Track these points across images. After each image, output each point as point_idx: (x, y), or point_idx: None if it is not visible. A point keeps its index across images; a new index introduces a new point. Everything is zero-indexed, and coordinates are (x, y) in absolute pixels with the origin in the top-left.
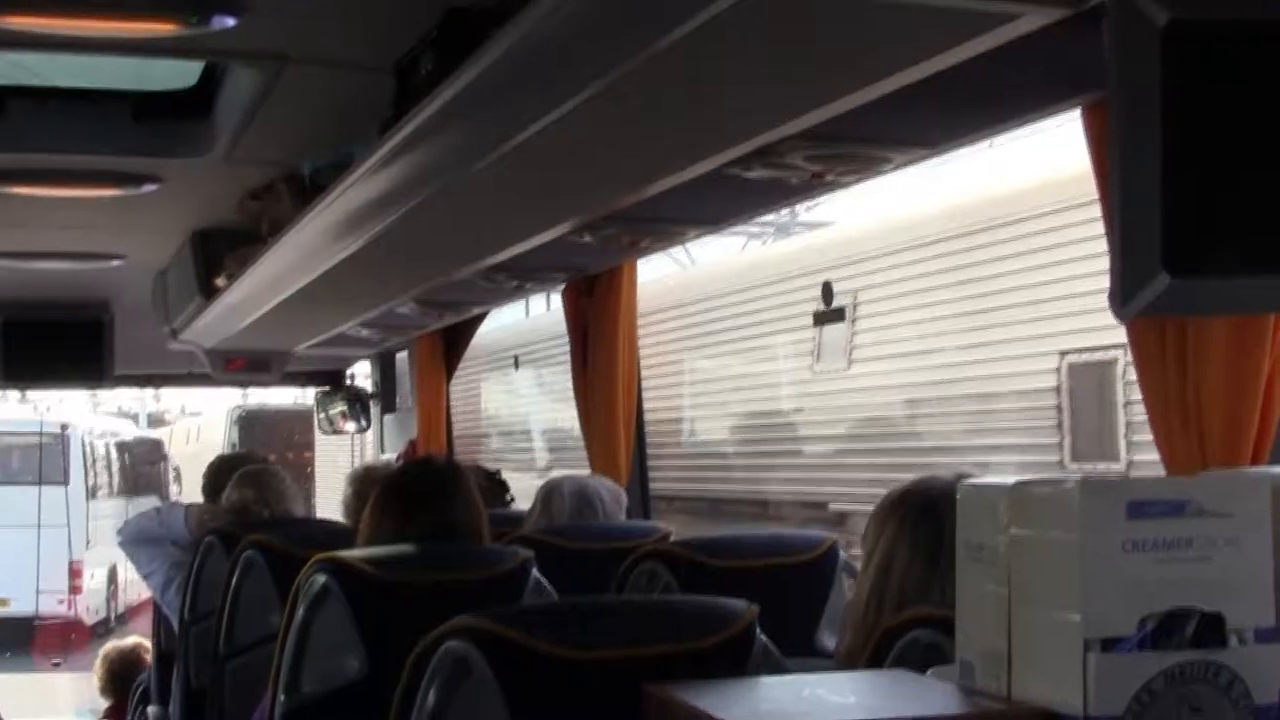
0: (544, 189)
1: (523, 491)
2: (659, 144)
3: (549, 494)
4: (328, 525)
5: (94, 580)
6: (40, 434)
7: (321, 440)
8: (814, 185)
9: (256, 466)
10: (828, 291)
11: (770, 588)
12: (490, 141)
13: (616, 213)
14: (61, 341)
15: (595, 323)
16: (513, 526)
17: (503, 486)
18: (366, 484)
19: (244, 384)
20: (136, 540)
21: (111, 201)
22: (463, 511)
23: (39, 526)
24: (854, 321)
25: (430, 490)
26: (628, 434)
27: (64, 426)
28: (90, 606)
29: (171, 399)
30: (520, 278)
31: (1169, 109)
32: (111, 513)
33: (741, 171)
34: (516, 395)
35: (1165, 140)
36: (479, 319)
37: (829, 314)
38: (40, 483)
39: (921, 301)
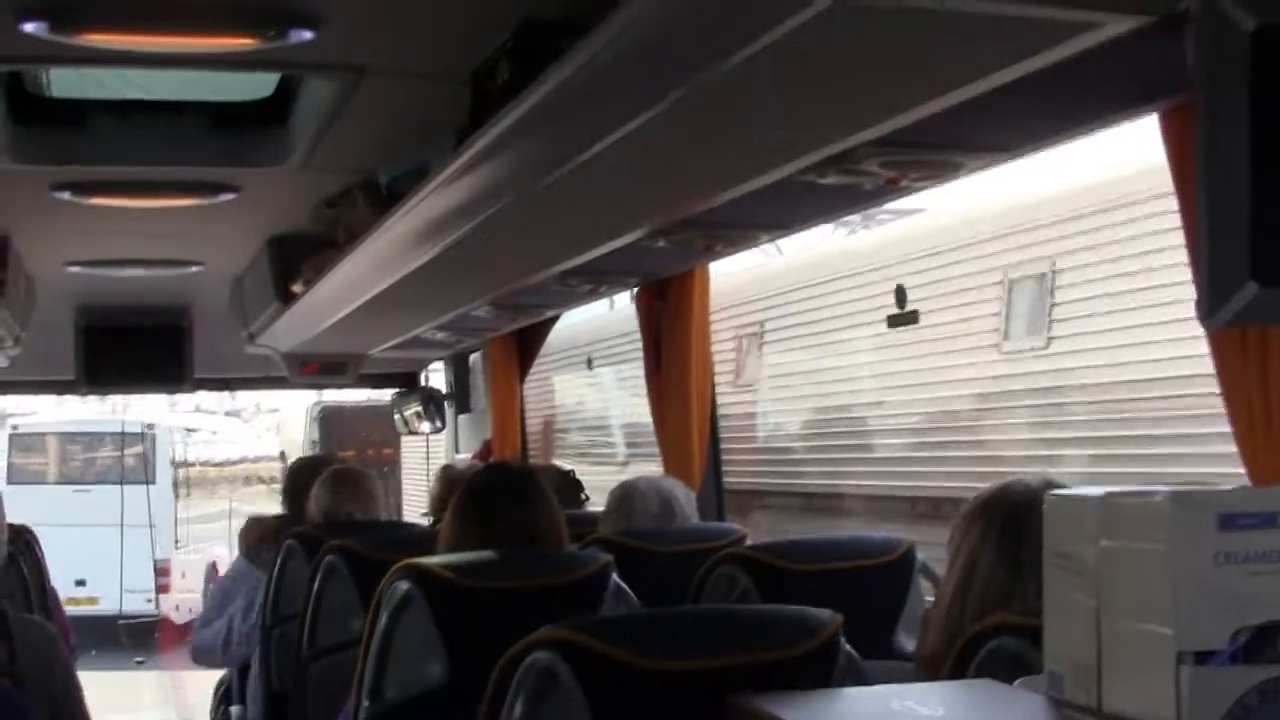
0: (619, 196)
1: (599, 487)
2: (735, 152)
3: (626, 496)
4: (410, 530)
5: (185, 579)
6: (123, 434)
7: (406, 438)
8: (887, 191)
9: (343, 467)
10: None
11: (849, 590)
12: (566, 150)
13: (690, 218)
14: (142, 346)
15: (668, 326)
16: (588, 528)
17: (577, 486)
18: (448, 484)
19: (320, 386)
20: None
21: (191, 210)
22: (541, 516)
23: (122, 526)
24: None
25: (508, 496)
26: (701, 436)
27: (149, 425)
28: (181, 605)
29: (247, 396)
30: (594, 281)
31: (1257, 115)
32: (205, 512)
33: (816, 178)
34: (595, 389)
35: (1253, 146)
36: (552, 320)
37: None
38: (122, 482)
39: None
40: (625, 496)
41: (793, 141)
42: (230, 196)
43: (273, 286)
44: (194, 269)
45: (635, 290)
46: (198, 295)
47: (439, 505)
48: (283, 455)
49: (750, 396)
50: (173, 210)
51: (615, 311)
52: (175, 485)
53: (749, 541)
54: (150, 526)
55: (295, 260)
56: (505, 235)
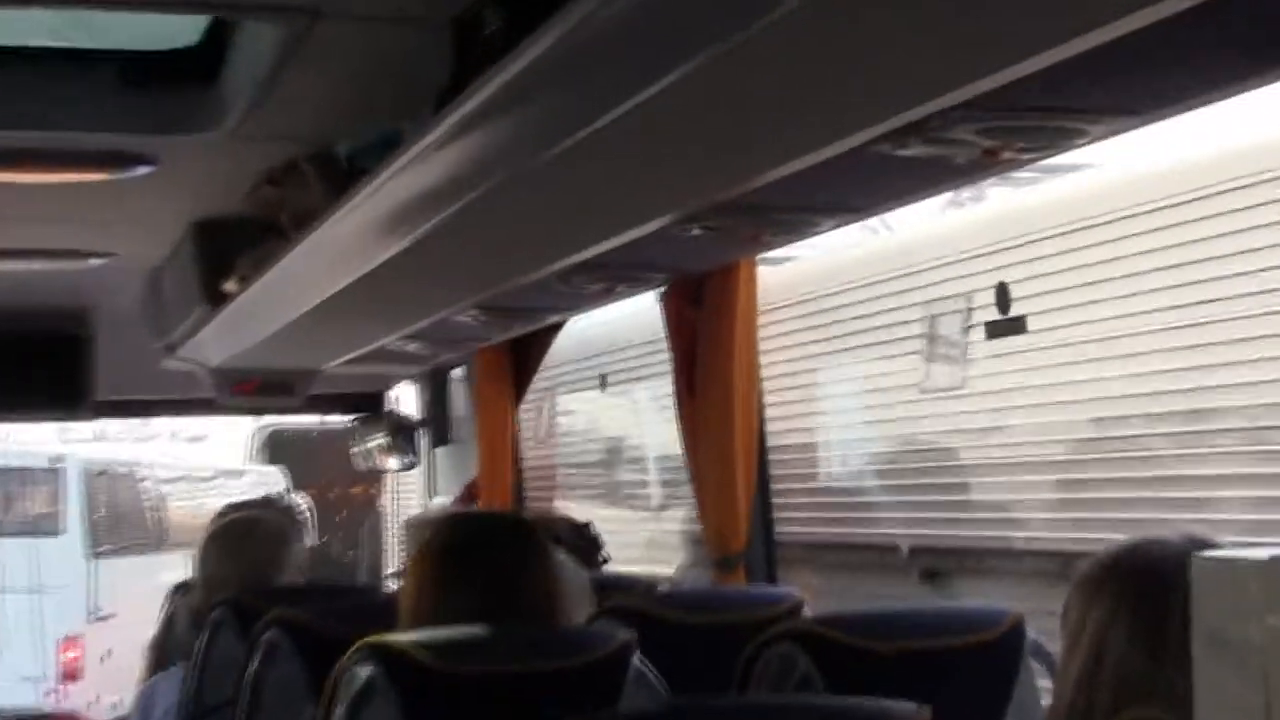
0: (644, 173)
1: (624, 544)
2: (790, 117)
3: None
4: (370, 596)
5: (107, 662)
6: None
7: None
8: (985, 165)
9: (236, 518)
10: None
11: (939, 676)
12: (573, 116)
13: (734, 200)
14: (29, 361)
15: (705, 336)
16: (608, 591)
17: (594, 544)
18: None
19: (257, 410)
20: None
21: (94, 188)
22: (534, 579)
23: (11, 592)
24: None
25: (488, 552)
26: (747, 474)
27: (56, 459)
28: (101, 697)
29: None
30: (609, 279)
31: None
32: (130, 572)
33: (892, 149)
34: (613, 414)
35: None
36: (555, 328)
37: None
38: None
39: None
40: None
41: (864, 104)
42: (145, 171)
43: (198, 284)
44: (96, 262)
45: (662, 291)
46: (101, 295)
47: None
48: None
49: (805, 422)
50: (70, 188)
51: (639, 313)
52: (92, 535)
53: (808, 611)
54: (59, 590)
55: (227, 251)
56: (497, 222)
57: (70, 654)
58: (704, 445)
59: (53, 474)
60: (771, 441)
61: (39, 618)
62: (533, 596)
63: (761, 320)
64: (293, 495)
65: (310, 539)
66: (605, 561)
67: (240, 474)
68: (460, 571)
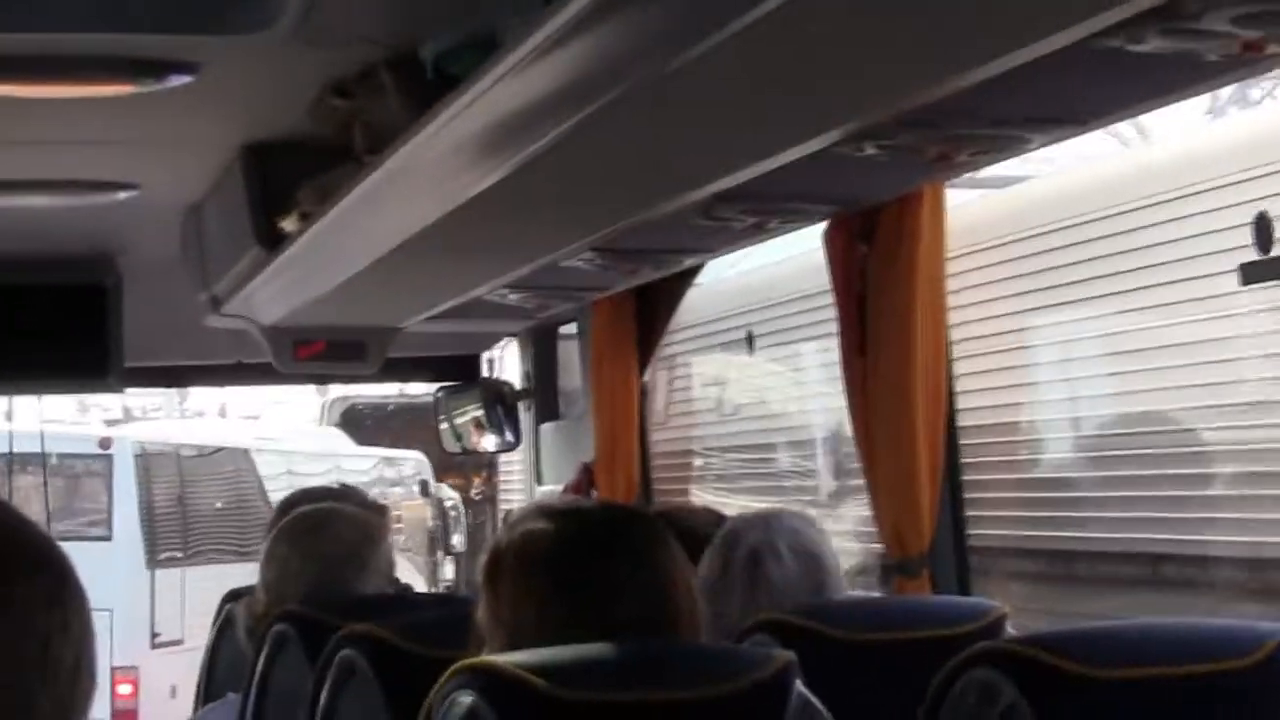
0: (804, 76)
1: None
2: (992, 3)
3: (723, 548)
4: (463, 608)
5: (176, 700)
6: (44, 456)
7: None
8: (1242, 62)
9: (308, 510)
10: None
11: (1178, 710)
12: (720, 7)
13: (918, 111)
14: (43, 320)
15: (878, 281)
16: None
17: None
18: None
19: (323, 378)
20: None
21: (120, 103)
22: (661, 593)
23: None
24: None
25: (598, 557)
26: (932, 458)
27: (104, 443)
28: None
29: (208, 394)
30: (759, 212)
31: None
32: (204, 586)
33: (1125, 44)
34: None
35: None
36: (689, 275)
37: None
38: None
39: None
40: (727, 548)
41: None
42: (182, 81)
43: (250, 223)
44: (124, 195)
45: (826, 227)
46: (130, 237)
47: None
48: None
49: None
50: (90, 104)
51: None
52: (151, 538)
53: (1011, 629)
54: (109, 611)
55: (285, 182)
56: (618, 142)
57: (123, 689)
58: (878, 419)
59: (100, 462)
60: (967, 420)
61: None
62: (659, 609)
63: (955, 265)
64: (439, 486)
65: (458, 540)
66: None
67: (364, 457)
68: (568, 578)
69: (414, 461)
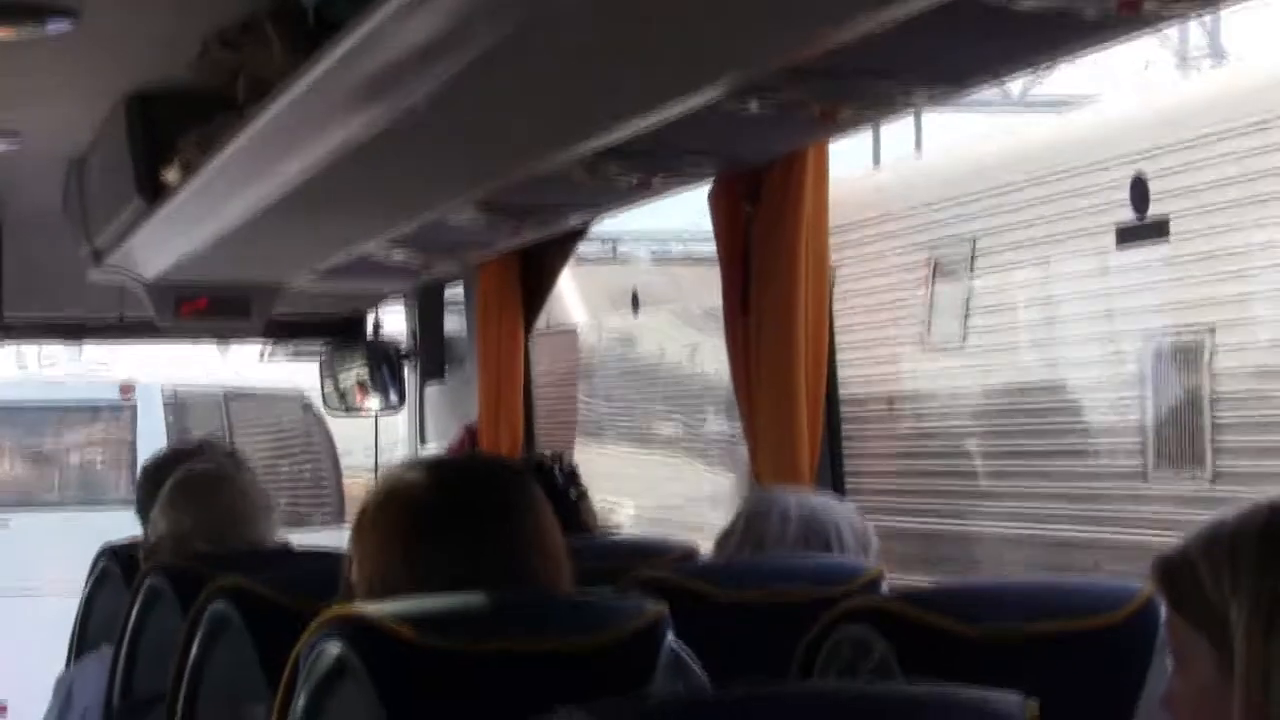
0: (690, 28)
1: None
2: None
3: (752, 517)
4: (334, 561)
5: None
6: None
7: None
8: (1120, 21)
9: (198, 469)
10: None
11: (1049, 665)
12: None
13: (802, 66)
14: None
15: (762, 243)
16: (639, 559)
17: (571, 479)
18: None
19: (204, 335)
20: None
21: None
22: (527, 544)
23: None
24: None
25: (467, 505)
26: (814, 417)
27: (125, 390)
28: None
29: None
30: (644, 169)
31: None
32: None
33: (1007, 2)
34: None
35: None
36: (576, 235)
37: None
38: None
39: None
40: (751, 518)
41: None
42: (62, 26)
43: (132, 173)
44: (3, 144)
45: (711, 186)
46: (7, 190)
47: None
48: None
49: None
50: None
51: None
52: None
53: (887, 586)
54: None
55: (168, 131)
56: (504, 91)
57: None
58: (760, 380)
59: (121, 412)
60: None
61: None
62: (525, 560)
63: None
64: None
65: None
66: (581, 498)
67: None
68: (433, 527)
69: None
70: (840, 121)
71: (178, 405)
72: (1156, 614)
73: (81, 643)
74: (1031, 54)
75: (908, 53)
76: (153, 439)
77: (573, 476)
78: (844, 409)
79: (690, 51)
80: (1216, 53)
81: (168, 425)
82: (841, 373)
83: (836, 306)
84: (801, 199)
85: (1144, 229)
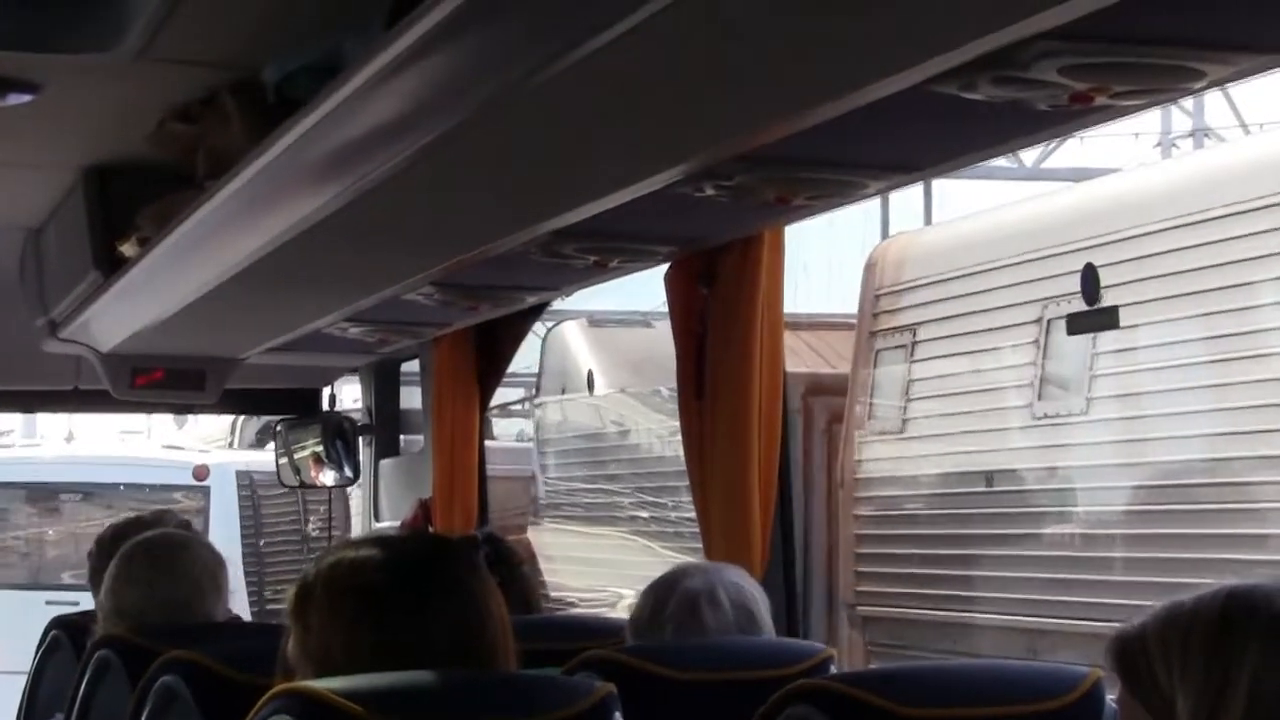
0: (646, 113)
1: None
2: (830, 48)
3: (664, 590)
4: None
5: None
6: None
7: None
8: (1072, 113)
9: (149, 540)
10: None
11: None
12: (563, 36)
13: (756, 152)
14: None
15: (719, 325)
16: (588, 638)
17: (510, 560)
18: None
19: (161, 407)
20: None
21: None
22: (475, 621)
23: None
24: None
25: (414, 589)
26: (765, 502)
27: (199, 472)
28: None
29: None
30: (600, 251)
31: None
32: None
33: (960, 91)
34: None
35: None
36: (533, 313)
37: None
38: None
39: None
40: (663, 590)
41: (920, 31)
42: (22, 100)
43: (89, 246)
44: None
45: (667, 268)
46: None
47: None
48: None
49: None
50: None
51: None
52: (257, 592)
53: (835, 669)
54: None
55: (126, 204)
56: (461, 172)
57: None
58: (713, 463)
59: (195, 494)
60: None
61: None
62: (472, 638)
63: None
64: None
65: None
66: (518, 572)
67: None
68: (380, 603)
69: None
70: (795, 207)
71: (252, 487)
72: (1103, 698)
73: (30, 714)
74: (986, 143)
75: (862, 141)
76: (227, 523)
77: (512, 555)
78: None
79: (646, 137)
80: (1200, 131)
81: (240, 508)
82: None
83: None
84: (757, 282)
85: (1094, 317)
